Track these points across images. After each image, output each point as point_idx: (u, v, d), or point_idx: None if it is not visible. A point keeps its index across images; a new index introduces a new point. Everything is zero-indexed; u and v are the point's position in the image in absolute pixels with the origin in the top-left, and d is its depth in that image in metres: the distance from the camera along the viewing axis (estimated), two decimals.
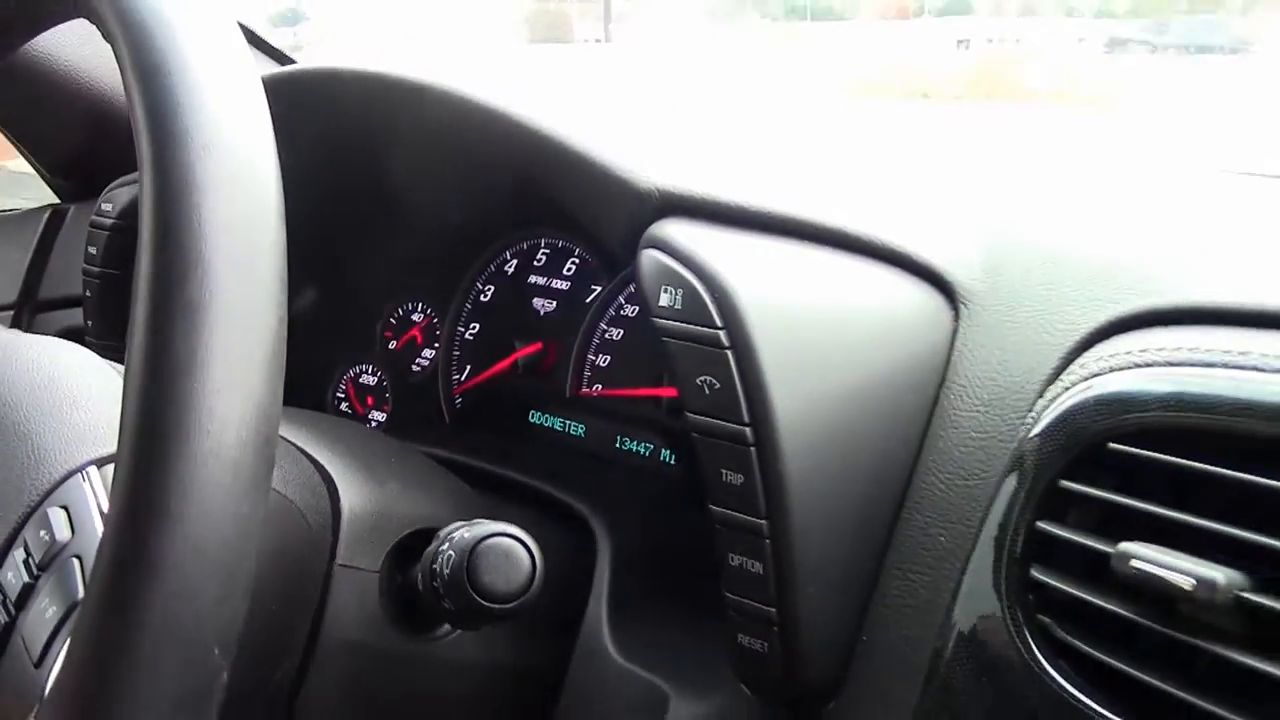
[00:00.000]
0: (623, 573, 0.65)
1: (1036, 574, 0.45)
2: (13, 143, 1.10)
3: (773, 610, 0.51)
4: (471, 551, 0.52)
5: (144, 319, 0.35)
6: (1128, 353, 0.47)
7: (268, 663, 0.53)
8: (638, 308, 0.78)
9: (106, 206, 0.89)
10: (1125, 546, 0.41)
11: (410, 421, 0.90)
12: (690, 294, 0.52)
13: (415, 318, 0.92)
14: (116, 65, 0.39)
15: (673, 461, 0.76)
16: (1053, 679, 0.44)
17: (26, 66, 0.98)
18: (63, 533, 0.47)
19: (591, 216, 0.63)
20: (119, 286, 0.89)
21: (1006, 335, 0.53)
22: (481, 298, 0.88)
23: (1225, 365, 0.43)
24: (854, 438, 0.52)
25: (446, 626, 0.58)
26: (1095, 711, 0.42)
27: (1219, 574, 0.39)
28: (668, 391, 0.76)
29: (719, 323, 0.51)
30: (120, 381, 0.36)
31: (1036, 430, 0.47)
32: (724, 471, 0.51)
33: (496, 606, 0.52)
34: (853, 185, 0.68)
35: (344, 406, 0.96)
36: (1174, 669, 0.41)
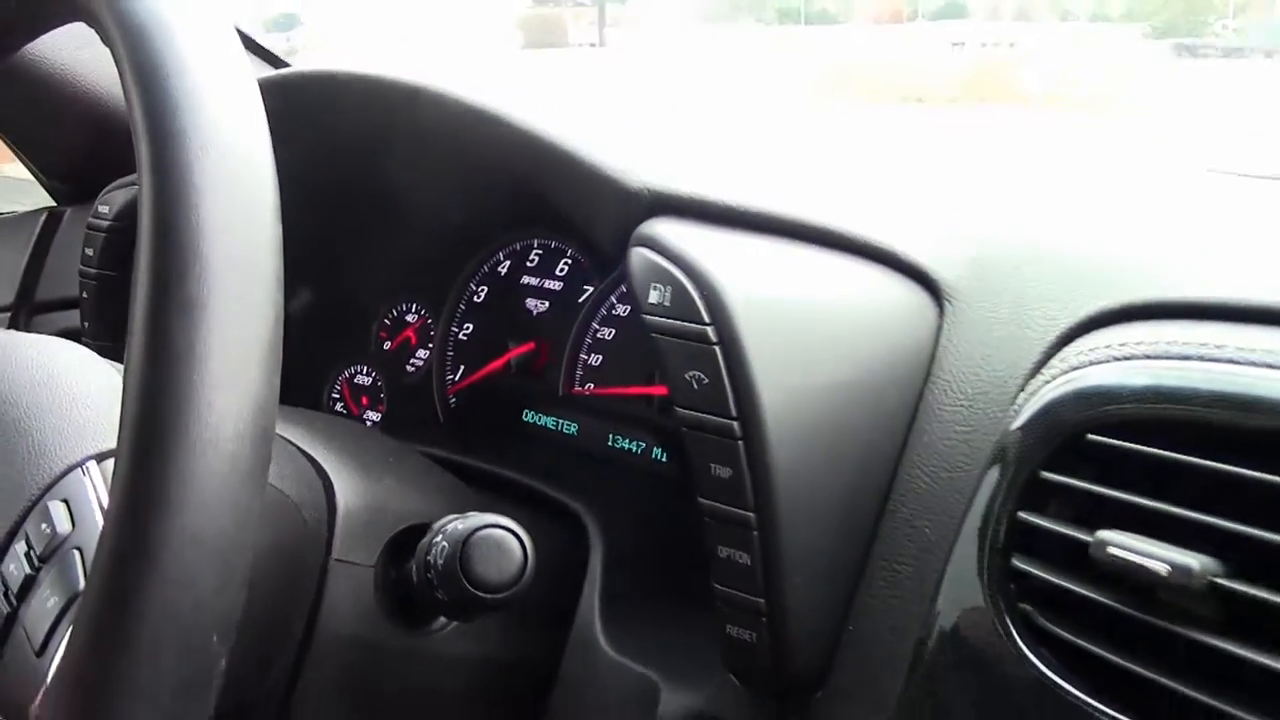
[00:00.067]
0: (615, 568, 0.66)
1: (1018, 563, 0.46)
2: (9, 146, 1.10)
3: (761, 601, 0.52)
4: (465, 542, 0.52)
5: (143, 315, 0.36)
6: (1107, 346, 0.47)
7: (264, 657, 0.54)
8: (629, 308, 0.79)
9: (103, 208, 0.89)
10: (1103, 535, 0.42)
11: (405, 421, 0.90)
12: (679, 291, 0.53)
13: (409, 318, 0.93)
14: (114, 69, 0.40)
15: (664, 459, 0.76)
16: (1034, 666, 0.44)
17: (24, 70, 0.98)
18: (63, 525, 0.47)
19: (583, 216, 0.64)
20: (115, 288, 0.89)
21: (989, 331, 0.54)
22: (475, 298, 0.88)
23: (1201, 358, 0.44)
24: (840, 431, 0.53)
25: (441, 620, 0.59)
26: (1076, 697, 0.43)
27: (1193, 560, 0.40)
28: (659, 390, 0.76)
29: (707, 319, 0.52)
30: (119, 378, 0.37)
31: (1018, 423, 0.48)
32: (712, 465, 0.52)
33: (489, 596, 0.53)
34: (840, 185, 0.69)
35: (339, 407, 0.96)
36: (1153, 655, 0.42)
